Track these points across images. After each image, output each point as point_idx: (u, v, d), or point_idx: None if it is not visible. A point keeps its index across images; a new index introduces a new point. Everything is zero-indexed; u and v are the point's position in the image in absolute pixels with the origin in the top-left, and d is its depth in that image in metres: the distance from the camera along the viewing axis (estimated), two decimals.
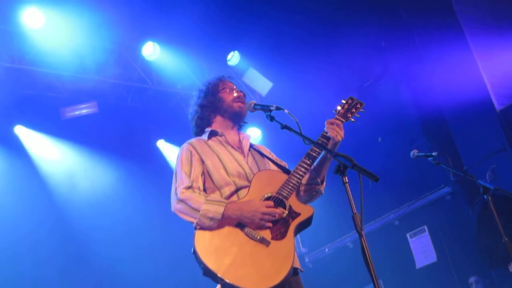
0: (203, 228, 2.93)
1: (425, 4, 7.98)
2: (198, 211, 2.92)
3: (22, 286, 7.31)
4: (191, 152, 3.24)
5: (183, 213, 3.01)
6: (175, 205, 3.06)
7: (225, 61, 8.82)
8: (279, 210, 2.97)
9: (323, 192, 3.33)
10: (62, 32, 7.16)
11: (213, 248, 2.84)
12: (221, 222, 2.93)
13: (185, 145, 3.33)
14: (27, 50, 7.28)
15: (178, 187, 3.09)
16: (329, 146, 3.13)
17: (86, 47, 7.60)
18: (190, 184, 3.08)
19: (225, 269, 2.75)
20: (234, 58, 8.82)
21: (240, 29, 8.22)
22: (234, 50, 8.80)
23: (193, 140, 3.38)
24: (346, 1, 8.00)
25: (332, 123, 3.17)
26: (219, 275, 2.74)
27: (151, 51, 8.08)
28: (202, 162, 3.21)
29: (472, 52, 7.40)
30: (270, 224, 2.93)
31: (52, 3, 6.97)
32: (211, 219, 2.90)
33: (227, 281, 2.72)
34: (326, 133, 3.16)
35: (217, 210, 2.92)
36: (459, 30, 7.54)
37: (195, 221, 2.94)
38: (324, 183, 3.32)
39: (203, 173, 3.18)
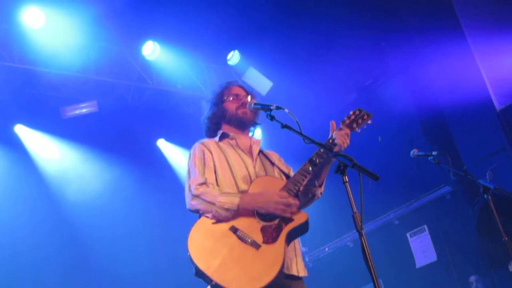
0: (218, 220, 2.97)
1: (425, 4, 7.98)
2: (214, 204, 2.97)
3: (23, 286, 7.31)
4: (203, 151, 3.29)
5: (199, 208, 3.04)
6: (190, 202, 3.09)
7: (225, 60, 8.82)
8: (292, 200, 3.01)
9: (319, 196, 3.33)
10: (62, 31, 7.16)
11: (205, 249, 2.88)
12: (218, 221, 2.97)
13: (197, 144, 3.37)
14: (27, 49, 7.28)
15: (192, 184, 3.12)
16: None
17: (86, 46, 7.60)
18: (203, 181, 3.12)
19: (214, 270, 2.80)
20: (234, 57, 8.81)
21: (240, 29, 8.22)
22: (234, 49, 8.80)
23: (205, 140, 3.43)
24: (346, 1, 8.00)
25: (341, 129, 3.19)
26: (208, 275, 2.78)
27: (151, 50, 8.07)
28: (213, 161, 3.25)
29: (472, 51, 7.40)
30: (288, 214, 2.98)
31: (52, 2, 6.98)
32: (227, 210, 2.96)
33: (215, 281, 2.77)
34: (333, 140, 3.15)
35: (232, 201, 2.97)
36: (459, 29, 7.54)
37: (211, 214, 2.98)
38: (322, 188, 3.32)
39: (214, 171, 3.22)
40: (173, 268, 8.02)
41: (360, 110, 3.32)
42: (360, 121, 3.29)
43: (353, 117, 3.30)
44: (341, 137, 3.14)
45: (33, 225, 7.57)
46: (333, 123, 3.25)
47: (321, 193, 3.33)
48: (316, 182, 3.26)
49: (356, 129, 3.28)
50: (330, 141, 3.16)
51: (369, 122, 3.32)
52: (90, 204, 8.05)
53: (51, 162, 8.27)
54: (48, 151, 8.27)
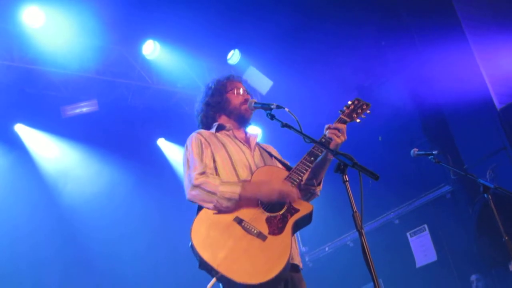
0: (220, 210, 2.93)
1: (425, 3, 7.98)
2: (215, 194, 2.93)
3: (23, 285, 7.30)
4: (200, 140, 3.26)
5: (199, 199, 2.98)
6: (190, 192, 3.03)
7: (226, 59, 8.81)
8: (296, 190, 2.99)
9: (318, 194, 3.31)
10: (62, 30, 7.16)
11: (210, 241, 2.83)
12: (221, 212, 2.94)
13: (194, 134, 3.34)
14: (27, 48, 7.27)
15: (192, 173, 3.07)
16: (330, 147, 3.11)
17: (86, 45, 7.60)
18: (203, 170, 3.08)
19: (220, 261, 2.74)
20: (234, 56, 8.80)
21: (241, 28, 8.21)
22: (234, 48, 8.79)
23: (202, 130, 3.41)
24: (347, 1, 8.00)
25: (332, 128, 3.14)
26: (214, 266, 2.72)
27: (151, 49, 8.07)
28: (211, 150, 3.23)
29: (472, 51, 7.40)
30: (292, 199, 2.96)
31: (52, 2, 6.97)
32: (229, 199, 2.92)
33: (222, 273, 2.71)
34: (325, 136, 3.13)
35: (234, 190, 2.94)
36: (460, 29, 7.55)
37: (211, 204, 2.93)
38: (321, 186, 3.30)
39: (213, 160, 3.19)
40: (173, 267, 8.03)
41: (358, 100, 3.32)
42: (359, 111, 3.28)
43: (352, 107, 3.29)
44: (331, 134, 3.10)
45: (33, 224, 7.56)
46: (327, 126, 3.20)
47: (320, 191, 3.32)
48: (314, 181, 3.25)
49: (356, 119, 3.26)
50: (323, 140, 3.13)
51: (368, 111, 3.30)
52: (90, 203, 8.05)
53: (51, 161, 8.26)
54: (48, 150, 8.26)
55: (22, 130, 8.07)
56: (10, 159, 7.82)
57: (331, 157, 3.15)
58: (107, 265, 7.82)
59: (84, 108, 8.01)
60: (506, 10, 7.97)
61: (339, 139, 3.09)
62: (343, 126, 3.14)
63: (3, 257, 7.14)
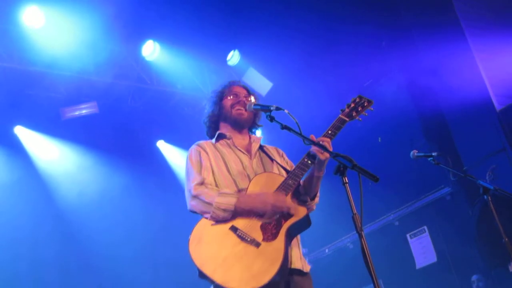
0: (218, 220, 2.97)
1: (425, 4, 7.99)
2: (211, 204, 2.98)
3: (22, 286, 7.30)
4: (199, 152, 3.30)
5: (198, 209, 3.05)
6: (190, 202, 3.10)
7: (225, 60, 8.80)
8: (289, 204, 2.98)
9: (314, 208, 3.26)
10: (62, 32, 7.15)
11: (205, 250, 2.88)
12: (218, 222, 2.97)
13: (193, 146, 3.38)
14: (27, 50, 7.27)
15: (190, 184, 3.13)
16: (316, 164, 3.05)
17: (86, 47, 7.60)
18: (201, 181, 3.13)
19: (215, 271, 2.79)
20: (234, 57, 8.79)
21: (241, 28, 8.22)
22: (234, 49, 8.78)
23: (201, 142, 3.43)
24: (347, 1, 8.00)
25: (317, 143, 3.01)
26: (208, 275, 2.78)
27: (151, 50, 8.07)
28: (209, 161, 3.26)
29: (472, 52, 7.40)
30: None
31: (52, 2, 6.97)
32: (225, 210, 2.96)
33: (217, 282, 2.76)
34: (309, 153, 3.08)
35: (229, 201, 2.97)
36: (459, 30, 7.55)
37: (209, 214, 2.99)
38: (316, 199, 3.24)
39: (212, 172, 3.22)
40: (173, 268, 8.02)
41: (360, 97, 3.28)
42: (360, 108, 3.23)
43: (353, 105, 3.25)
44: (317, 150, 3.02)
45: (33, 226, 7.56)
46: (312, 137, 3.05)
47: (315, 204, 3.26)
48: (308, 197, 3.19)
49: (357, 117, 3.22)
50: (307, 156, 3.07)
51: (371, 109, 3.25)
52: (89, 205, 8.05)
53: (51, 163, 8.26)
54: (48, 153, 8.26)
55: (21, 132, 8.06)
56: (9, 161, 7.81)
57: (319, 174, 3.10)
58: (107, 267, 7.82)
59: (83, 110, 8.01)
60: (506, 10, 7.97)
61: (322, 156, 3.00)
62: (327, 140, 3.03)
63: (3, 258, 7.14)
